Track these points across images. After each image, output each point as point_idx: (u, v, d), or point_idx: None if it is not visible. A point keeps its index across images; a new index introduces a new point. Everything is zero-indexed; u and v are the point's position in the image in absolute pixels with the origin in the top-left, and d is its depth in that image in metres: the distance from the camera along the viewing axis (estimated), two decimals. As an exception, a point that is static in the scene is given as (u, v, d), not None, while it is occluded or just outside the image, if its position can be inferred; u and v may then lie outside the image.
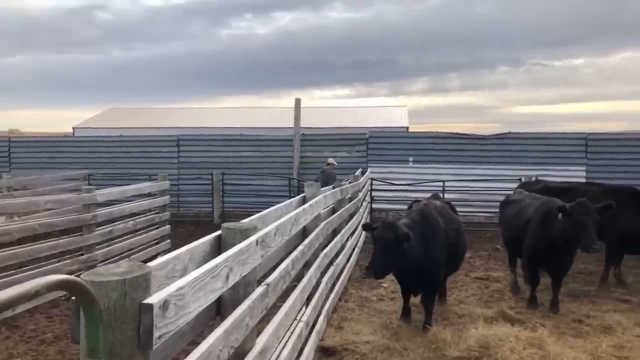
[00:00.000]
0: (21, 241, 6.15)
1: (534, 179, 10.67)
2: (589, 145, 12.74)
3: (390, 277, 7.41)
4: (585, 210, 5.47)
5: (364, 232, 9.85)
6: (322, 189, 5.52)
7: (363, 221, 10.00)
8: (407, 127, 26.56)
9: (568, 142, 12.92)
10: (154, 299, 1.52)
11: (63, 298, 5.95)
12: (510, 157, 12.83)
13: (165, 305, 1.56)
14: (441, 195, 10.05)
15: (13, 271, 5.94)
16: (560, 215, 5.55)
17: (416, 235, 4.86)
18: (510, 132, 13.43)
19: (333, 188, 6.36)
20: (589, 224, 5.41)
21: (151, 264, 1.75)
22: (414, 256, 4.87)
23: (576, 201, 5.61)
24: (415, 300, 5.68)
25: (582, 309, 5.91)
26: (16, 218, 8.27)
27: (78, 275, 1.44)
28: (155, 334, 1.51)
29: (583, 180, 11.93)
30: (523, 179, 11.35)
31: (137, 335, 1.49)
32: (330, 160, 11.83)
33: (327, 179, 9.94)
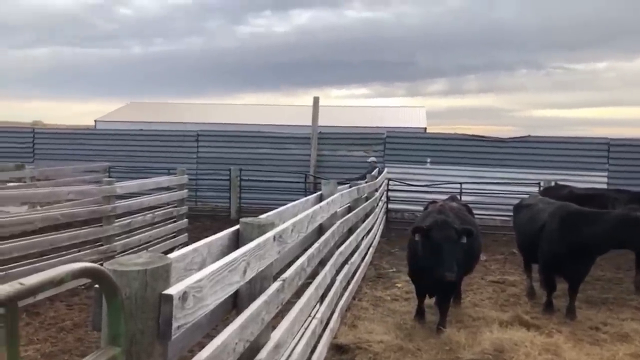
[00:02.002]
0: (43, 230, 6.29)
1: (553, 183, 10.53)
2: (611, 151, 12.49)
3: (405, 277, 7.40)
4: None
5: (379, 233, 9.84)
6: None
7: (380, 221, 9.98)
8: (425, 128, 26.40)
9: (590, 147, 12.69)
10: (174, 290, 1.55)
11: (82, 287, 6.07)
12: (530, 160, 12.65)
13: (184, 296, 1.58)
14: (458, 197, 9.98)
15: (35, 259, 6.09)
16: None
17: None
18: (530, 136, 13.25)
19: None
20: None
21: (171, 255, 1.78)
22: None
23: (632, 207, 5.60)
24: (430, 301, 5.66)
25: (599, 316, 5.82)
26: (38, 207, 8.46)
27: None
28: (174, 325, 1.53)
29: (604, 186, 11.74)
30: (542, 184, 11.21)
31: (157, 325, 1.52)
32: (372, 158, 12.32)
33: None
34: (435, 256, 4.77)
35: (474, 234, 4.87)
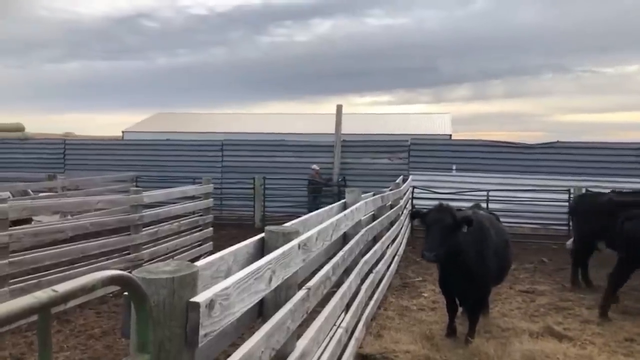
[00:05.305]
0: (73, 239, 6.44)
1: (584, 190, 10.25)
2: (645, 156, 12.13)
3: (431, 286, 7.30)
4: None
5: (404, 241, 9.74)
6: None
7: (405, 229, 9.89)
8: (450, 135, 26.11)
9: (622, 152, 12.34)
10: (201, 297, 1.56)
11: (111, 294, 6.18)
12: (559, 167, 12.37)
13: (211, 304, 1.59)
14: (485, 205, 9.80)
15: (65, 267, 6.23)
16: None
17: (468, 242, 4.77)
18: (558, 141, 12.97)
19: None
20: None
21: (198, 263, 1.79)
22: (468, 255, 4.80)
23: None
24: (458, 311, 5.55)
25: (634, 327, 5.61)
26: (69, 217, 8.67)
27: (128, 273, 1.50)
28: (201, 332, 1.54)
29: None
30: (572, 190, 10.93)
31: (184, 333, 1.53)
32: (314, 166, 13.17)
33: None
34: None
35: (472, 223, 4.65)
